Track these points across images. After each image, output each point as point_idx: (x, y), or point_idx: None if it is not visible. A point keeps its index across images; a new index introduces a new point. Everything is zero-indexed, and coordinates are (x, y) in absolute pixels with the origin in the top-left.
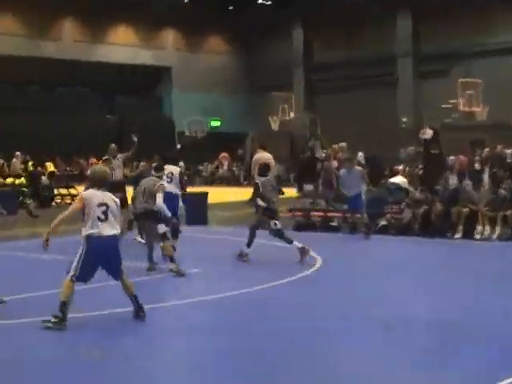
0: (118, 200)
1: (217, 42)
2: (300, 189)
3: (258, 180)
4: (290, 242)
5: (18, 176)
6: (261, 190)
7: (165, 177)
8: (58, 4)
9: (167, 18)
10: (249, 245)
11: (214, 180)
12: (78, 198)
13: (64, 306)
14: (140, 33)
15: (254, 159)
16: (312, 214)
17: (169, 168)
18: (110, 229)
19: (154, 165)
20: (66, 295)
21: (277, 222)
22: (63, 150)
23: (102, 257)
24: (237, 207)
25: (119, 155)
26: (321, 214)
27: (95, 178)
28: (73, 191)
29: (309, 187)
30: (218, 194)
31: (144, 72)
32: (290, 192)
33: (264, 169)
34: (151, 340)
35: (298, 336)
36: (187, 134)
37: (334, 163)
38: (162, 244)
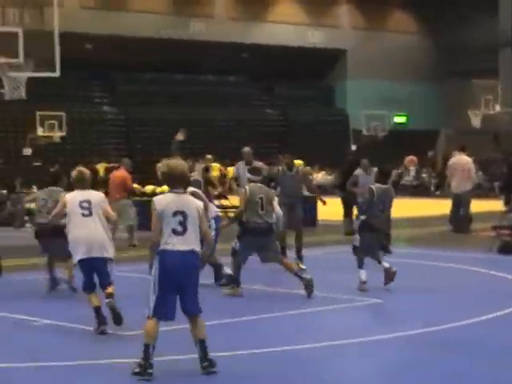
0: (200, 205)
1: (402, 18)
2: (508, 201)
3: (374, 187)
4: (360, 266)
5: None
6: (375, 198)
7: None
8: None
9: None
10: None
11: (397, 189)
12: (152, 209)
13: (146, 350)
14: (309, 8)
15: (449, 163)
16: None
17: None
18: (187, 244)
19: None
20: (148, 336)
21: (357, 237)
22: (210, 149)
23: (178, 279)
24: (427, 223)
25: (257, 162)
26: None
27: (171, 176)
28: (225, 202)
29: None
30: (402, 207)
31: (312, 56)
32: (495, 205)
33: (384, 174)
34: None
35: None
36: (365, 132)
37: None
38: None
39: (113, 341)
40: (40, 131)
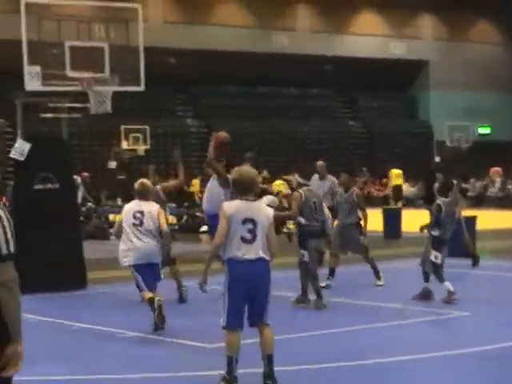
0: (270, 213)
1: (486, 29)
2: None
3: (441, 202)
4: (442, 280)
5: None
6: (443, 214)
7: None
8: None
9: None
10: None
11: (483, 201)
12: (220, 213)
13: (230, 362)
14: (391, 20)
15: None
16: None
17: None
18: (256, 252)
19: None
20: (229, 349)
21: (438, 255)
22: (293, 162)
23: (248, 288)
24: None
25: (330, 177)
26: None
27: (242, 183)
28: None
29: None
30: (488, 219)
31: (394, 67)
32: None
33: (447, 188)
34: None
35: None
36: (448, 143)
37: None
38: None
39: (195, 353)
40: (125, 144)
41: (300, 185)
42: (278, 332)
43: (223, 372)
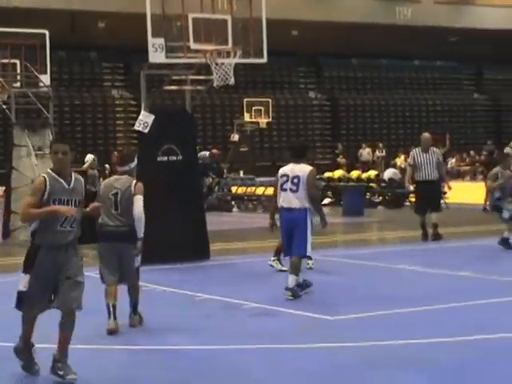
0: None
1: None
2: None
3: None
4: None
5: (366, 168)
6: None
7: None
8: None
9: None
10: None
11: None
12: None
13: None
14: None
15: None
16: None
17: None
18: None
19: None
20: None
21: None
22: (415, 135)
23: None
24: None
25: (434, 149)
26: None
27: None
28: None
29: None
30: None
31: None
32: None
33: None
34: None
35: None
36: None
37: None
38: None
39: (317, 325)
40: (247, 117)
41: None
42: None
43: None
